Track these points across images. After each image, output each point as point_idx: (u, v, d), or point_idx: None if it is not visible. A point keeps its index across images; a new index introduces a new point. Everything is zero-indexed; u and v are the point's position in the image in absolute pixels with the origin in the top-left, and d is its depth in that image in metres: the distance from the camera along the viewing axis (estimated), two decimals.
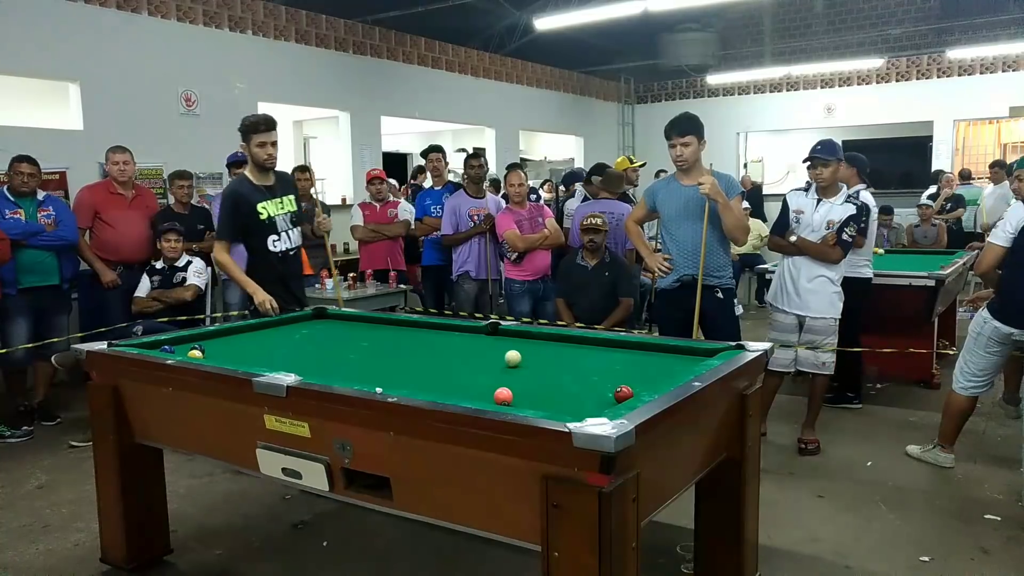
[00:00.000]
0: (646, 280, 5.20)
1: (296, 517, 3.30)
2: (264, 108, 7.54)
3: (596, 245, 4.64)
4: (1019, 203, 3.52)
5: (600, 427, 1.70)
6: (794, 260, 3.95)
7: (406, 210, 6.06)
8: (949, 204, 8.86)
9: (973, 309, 4.03)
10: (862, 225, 4.03)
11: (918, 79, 11.29)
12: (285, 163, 8.39)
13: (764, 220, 9.12)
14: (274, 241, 3.66)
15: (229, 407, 2.40)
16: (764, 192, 11.61)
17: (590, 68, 12.29)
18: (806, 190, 4.04)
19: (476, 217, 5.31)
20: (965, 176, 9.55)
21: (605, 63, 12.32)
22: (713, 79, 12.08)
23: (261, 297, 3.52)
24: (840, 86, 11.80)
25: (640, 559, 1.84)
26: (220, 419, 2.47)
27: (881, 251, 6.44)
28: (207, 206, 5.80)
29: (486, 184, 5.74)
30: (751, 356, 2.50)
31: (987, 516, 3.22)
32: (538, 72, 11.33)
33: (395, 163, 10.26)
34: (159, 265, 4.94)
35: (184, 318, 4.65)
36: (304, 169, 5.79)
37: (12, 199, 4.47)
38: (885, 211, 8.00)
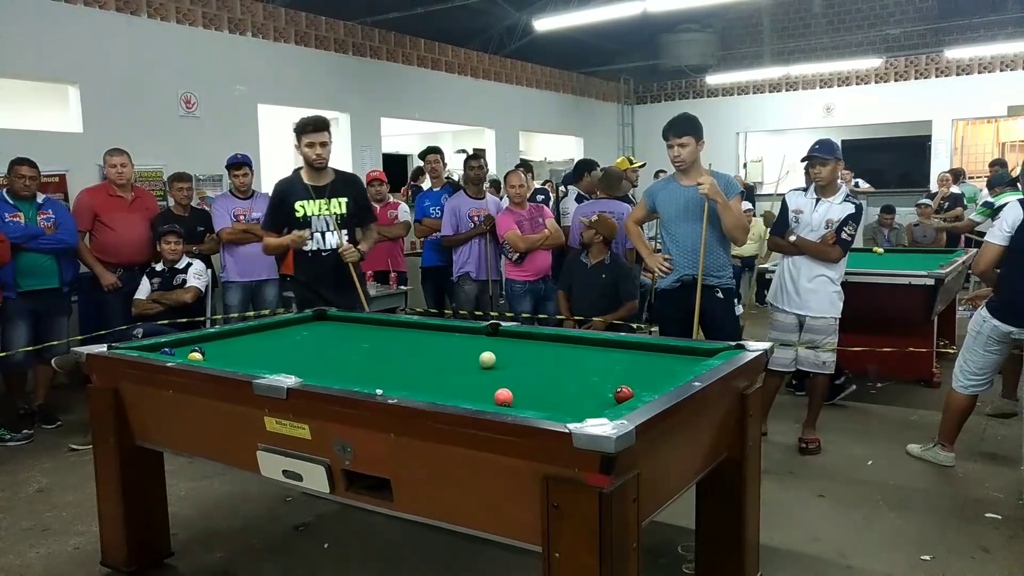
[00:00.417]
0: (646, 280, 5.21)
1: (297, 519, 3.30)
2: (264, 110, 7.56)
3: (585, 241, 4.66)
4: (1015, 202, 3.52)
5: (600, 428, 1.70)
6: (794, 260, 3.95)
7: (405, 211, 6.07)
8: (947, 203, 8.86)
9: (972, 308, 4.03)
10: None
11: (916, 79, 11.31)
12: (284, 165, 8.43)
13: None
14: (308, 240, 3.73)
15: (229, 409, 2.40)
16: (764, 192, 11.61)
17: (590, 69, 12.30)
18: (805, 190, 4.05)
19: (476, 218, 5.31)
20: (956, 176, 9.52)
21: (605, 64, 12.33)
22: (712, 79, 12.09)
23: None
24: (839, 86, 11.82)
25: (641, 559, 1.84)
26: (220, 421, 2.47)
27: (880, 251, 6.45)
28: (207, 208, 5.81)
29: (486, 185, 5.75)
30: (751, 356, 2.50)
31: (988, 515, 3.21)
32: (538, 73, 11.34)
33: (395, 164, 10.26)
34: (159, 267, 4.95)
35: (184, 320, 4.65)
36: None
37: (11, 202, 4.47)
38: (887, 210, 8.01)
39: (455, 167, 8.60)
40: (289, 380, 2.21)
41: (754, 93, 12.49)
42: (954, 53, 10.42)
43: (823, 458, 3.92)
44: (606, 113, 13.03)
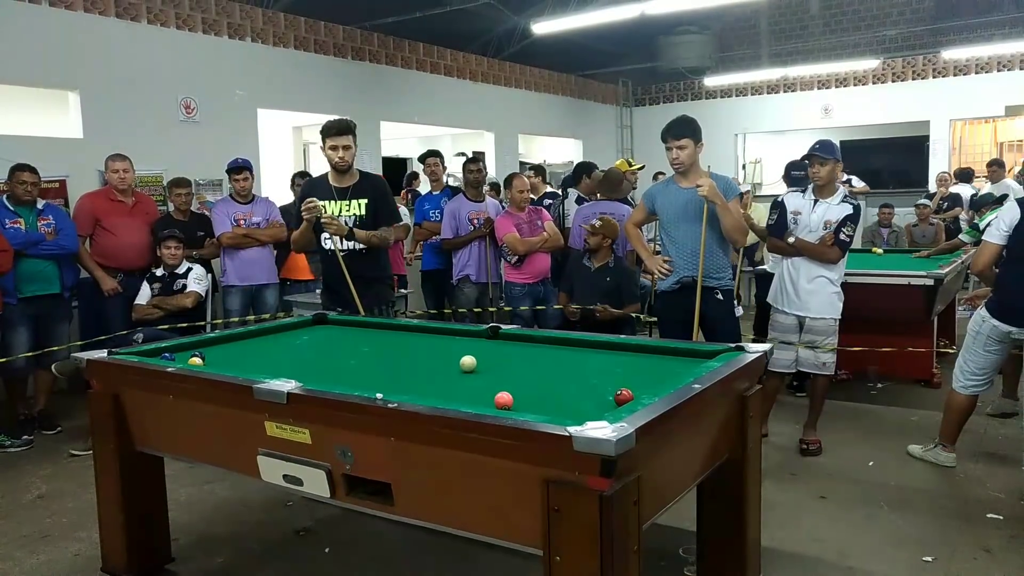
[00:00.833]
0: (646, 282, 5.22)
1: (298, 524, 3.30)
2: (263, 115, 7.58)
3: (591, 247, 4.65)
4: (1012, 201, 3.52)
5: (600, 430, 1.70)
6: (793, 261, 3.95)
7: (404, 215, 6.06)
8: (946, 203, 8.86)
9: (972, 307, 4.03)
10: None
11: (914, 79, 11.33)
12: (284, 169, 8.43)
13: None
14: (325, 239, 3.81)
15: (230, 414, 2.40)
16: (763, 193, 11.62)
17: (588, 71, 12.32)
18: (803, 191, 4.05)
19: (476, 221, 5.32)
20: (964, 177, 9.51)
21: (603, 66, 12.35)
22: (711, 81, 12.11)
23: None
24: (837, 87, 11.84)
25: (642, 562, 1.84)
26: (221, 426, 2.47)
27: (880, 251, 6.46)
28: (207, 213, 5.81)
29: (485, 188, 5.76)
30: (751, 357, 2.50)
31: (989, 515, 3.21)
32: (536, 76, 11.36)
33: (395, 168, 10.28)
34: (159, 272, 4.95)
35: (184, 325, 4.65)
36: (304, 175, 5.80)
37: (12, 208, 4.47)
38: (885, 206, 8.02)
39: (454, 170, 8.61)
40: (289, 385, 2.21)
41: (752, 95, 12.51)
42: (951, 54, 10.44)
43: (824, 459, 3.92)
44: (605, 115, 13.05)
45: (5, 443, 4.38)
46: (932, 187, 9.97)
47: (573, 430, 1.71)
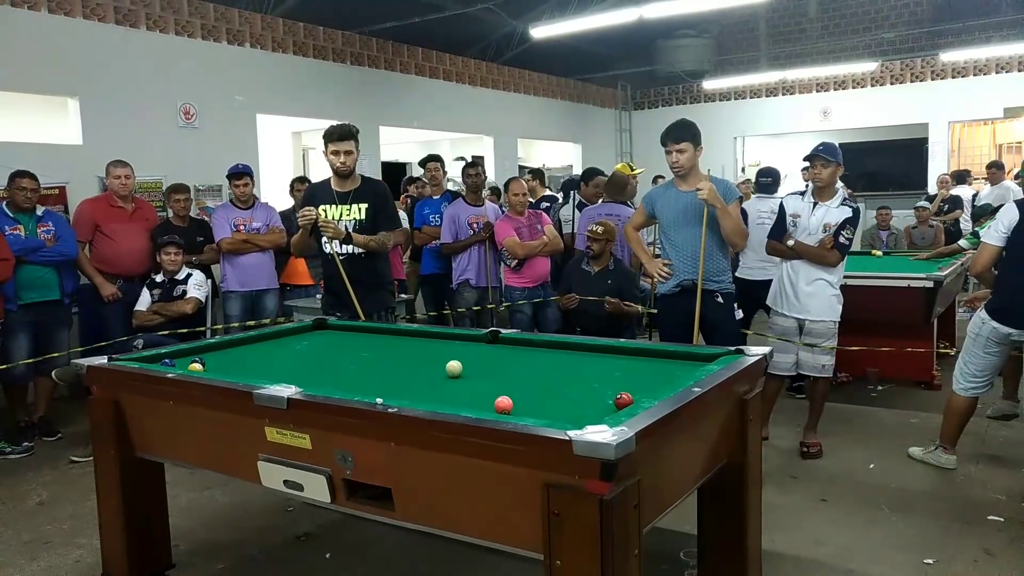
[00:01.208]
0: (646, 285, 5.22)
1: (298, 529, 3.29)
2: (263, 120, 7.59)
3: (595, 253, 4.65)
4: (1011, 203, 3.53)
5: (600, 434, 1.70)
6: (792, 264, 3.95)
7: (403, 220, 6.07)
8: (947, 205, 8.87)
9: (971, 309, 4.04)
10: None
11: (912, 82, 11.35)
12: (284, 175, 8.44)
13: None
14: (325, 242, 3.82)
15: (230, 420, 2.40)
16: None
17: (587, 75, 12.34)
18: (802, 194, 4.06)
19: (475, 225, 5.32)
20: (960, 178, 9.52)
21: (602, 70, 12.37)
22: (709, 84, 12.13)
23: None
24: (835, 90, 11.86)
25: (642, 566, 1.84)
26: (221, 432, 2.47)
27: (879, 253, 6.47)
28: (207, 218, 5.82)
29: (485, 192, 5.76)
30: (751, 360, 2.50)
31: (990, 517, 3.21)
32: (535, 80, 11.38)
33: (394, 173, 10.28)
34: (159, 278, 4.95)
35: (185, 331, 4.65)
36: (303, 180, 5.80)
37: (11, 215, 4.48)
38: (883, 208, 8.02)
39: (453, 174, 8.62)
40: (289, 390, 2.21)
41: (751, 98, 12.53)
42: (949, 56, 10.46)
43: (824, 462, 3.92)
44: (604, 119, 13.07)
45: (6, 450, 4.38)
46: (932, 189, 9.99)
47: (573, 434, 1.71)
